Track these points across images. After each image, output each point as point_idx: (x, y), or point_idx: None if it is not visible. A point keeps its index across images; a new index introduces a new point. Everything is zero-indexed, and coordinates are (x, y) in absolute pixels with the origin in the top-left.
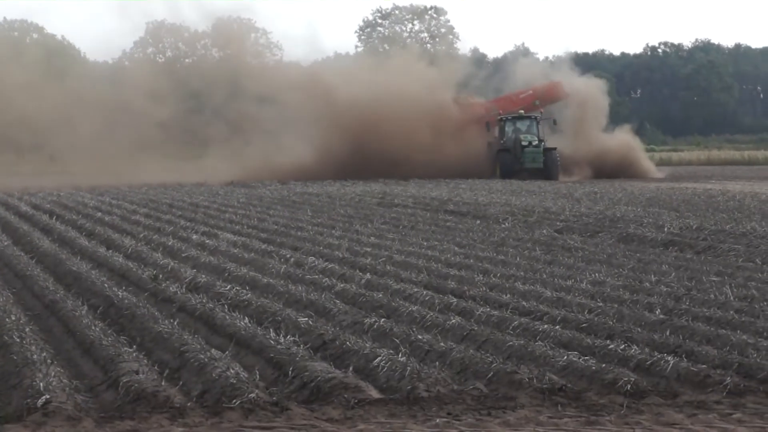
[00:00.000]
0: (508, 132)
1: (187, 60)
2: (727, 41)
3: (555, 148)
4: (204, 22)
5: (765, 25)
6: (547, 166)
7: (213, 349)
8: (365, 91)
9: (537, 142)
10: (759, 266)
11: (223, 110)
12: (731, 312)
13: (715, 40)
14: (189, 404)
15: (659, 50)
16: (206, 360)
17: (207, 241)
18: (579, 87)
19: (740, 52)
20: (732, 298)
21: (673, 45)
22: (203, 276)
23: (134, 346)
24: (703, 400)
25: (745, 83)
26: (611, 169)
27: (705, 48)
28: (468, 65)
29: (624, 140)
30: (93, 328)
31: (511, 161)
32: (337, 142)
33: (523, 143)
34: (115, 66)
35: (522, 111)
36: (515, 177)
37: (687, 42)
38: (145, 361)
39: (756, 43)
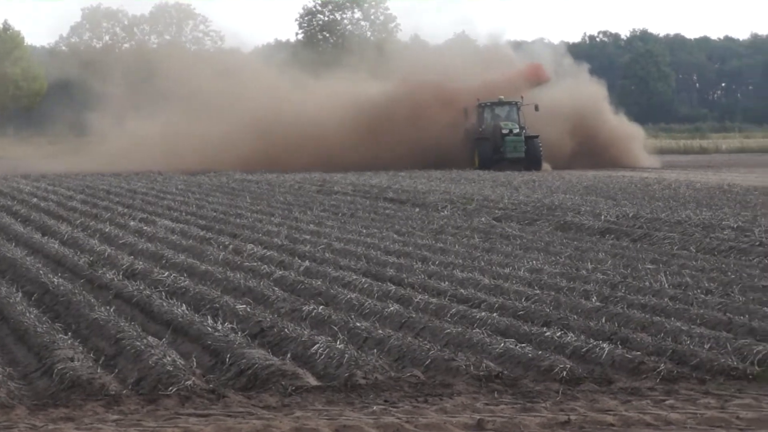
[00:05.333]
0: (486, 119)
1: (125, 45)
2: (664, 31)
3: (537, 136)
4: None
5: (700, 16)
6: (529, 156)
7: (150, 337)
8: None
9: (518, 129)
10: (693, 254)
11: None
12: (666, 299)
13: (652, 30)
14: (124, 392)
15: (597, 39)
16: (143, 347)
17: (145, 228)
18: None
19: (677, 41)
20: (666, 285)
21: (611, 34)
22: (140, 263)
23: (69, 334)
24: (637, 387)
25: (681, 72)
26: (603, 159)
27: (643, 37)
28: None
29: (621, 130)
30: (27, 315)
31: (491, 150)
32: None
33: (504, 131)
34: (52, 51)
35: (502, 96)
36: (495, 167)
37: (625, 31)
38: (81, 348)
39: (692, 33)
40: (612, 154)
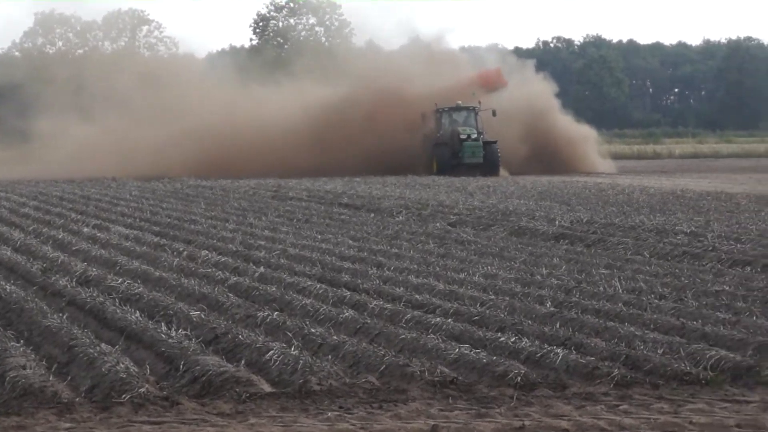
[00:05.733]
0: (444, 124)
1: (78, 51)
2: (618, 36)
3: (495, 142)
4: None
5: (653, 22)
6: (488, 161)
7: (103, 344)
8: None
9: (476, 134)
10: (647, 259)
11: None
12: (619, 304)
13: (605, 36)
14: (77, 399)
15: (551, 45)
16: (96, 354)
17: (98, 234)
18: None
19: (630, 47)
20: (620, 290)
21: (564, 40)
22: (94, 269)
23: (22, 341)
24: (591, 392)
25: (635, 78)
26: (558, 161)
27: (596, 43)
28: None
29: (573, 131)
30: None
31: (449, 155)
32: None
33: (462, 136)
34: (4, 56)
35: (460, 102)
36: (453, 172)
37: (578, 37)
38: (33, 355)
39: (645, 39)
40: (566, 155)
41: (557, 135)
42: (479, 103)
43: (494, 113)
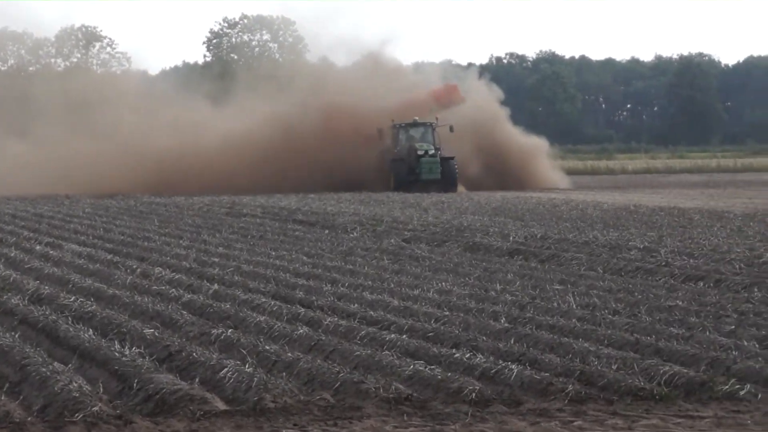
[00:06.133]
0: (401, 140)
1: (30, 68)
2: (570, 52)
3: (453, 157)
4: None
5: (605, 38)
6: (445, 177)
7: (56, 362)
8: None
9: (433, 150)
10: (600, 275)
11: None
12: (574, 320)
13: (558, 52)
14: (29, 419)
15: (504, 61)
16: (48, 373)
17: (51, 252)
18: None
19: (583, 63)
20: (574, 306)
21: (517, 56)
22: (47, 287)
23: None
24: (546, 408)
25: (587, 94)
26: (512, 176)
27: (549, 59)
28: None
29: (523, 142)
30: None
31: (406, 172)
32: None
33: (419, 152)
34: None
35: (417, 117)
36: (411, 189)
37: (531, 53)
38: None
39: (597, 55)
40: (519, 166)
41: (508, 146)
42: (436, 118)
43: (452, 129)
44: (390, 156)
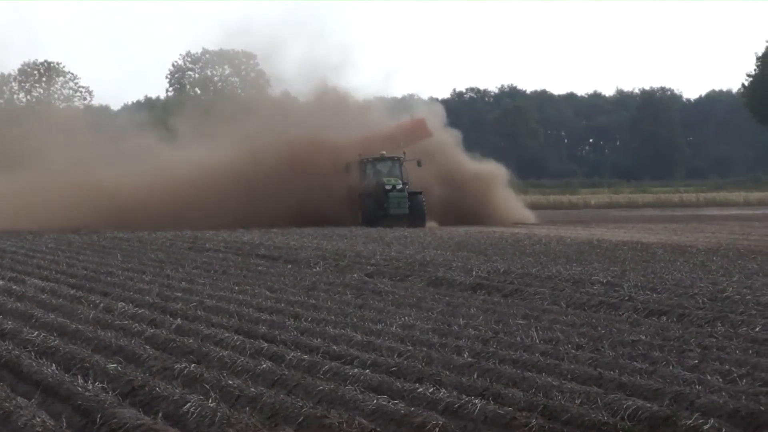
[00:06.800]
0: (369, 175)
1: None
2: (532, 87)
3: (421, 192)
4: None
5: (567, 72)
6: (413, 212)
7: (19, 397)
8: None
9: (401, 185)
10: (564, 309)
11: None
12: (537, 354)
13: (520, 86)
14: None
15: (466, 96)
16: (11, 408)
17: (14, 287)
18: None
19: (544, 97)
20: (538, 340)
21: (479, 90)
22: (9, 322)
23: None
24: None
25: (550, 128)
26: (473, 204)
27: (511, 93)
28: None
29: (477, 167)
30: None
31: (374, 207)
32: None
33: (387, 187)
34: None
35: (384, 152)
36: (379, 224)
37: (493, 87)
38: None
39: (558, 89)
40: (476, 193)
41: (461, 172)
42: (404, 153)
43: (419, 163)
44: (357, 191)
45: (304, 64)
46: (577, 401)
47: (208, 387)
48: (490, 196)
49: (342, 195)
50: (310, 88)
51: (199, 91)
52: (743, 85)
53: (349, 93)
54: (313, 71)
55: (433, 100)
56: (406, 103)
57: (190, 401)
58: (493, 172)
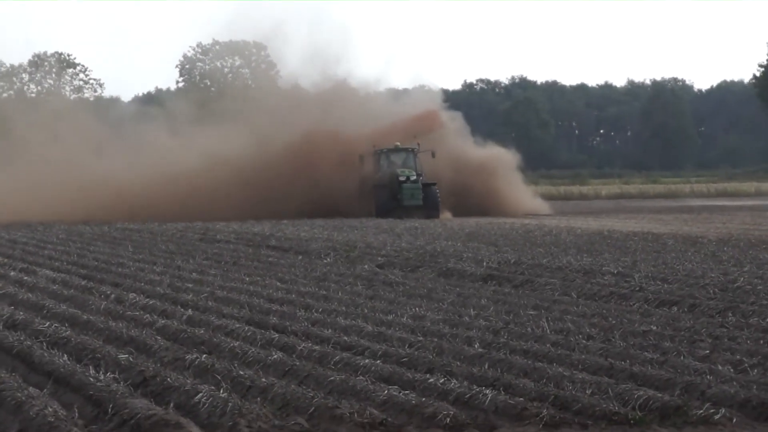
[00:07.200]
0: (383, 166)
1: (4, 95)
2: (542, 78)
3: (435, 183)
4: (21, 55)
5: (578, 63)
6: (427, 203)
7: (31, 387)
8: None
9: (415, 176)
10: (574, 300)
11: None
12: (548, 345)
13: (531, 77)
14: None
15: (477, 87)
16: (24, 398)
17: (25, 278)
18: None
19: (555, 88)
20: (548, 331)
21: (490, 82)
22: (21, 313)
23: None
24: None
25: (560, 120)
26: (480, 192)
27: (522, 84)
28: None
29: (481, 153)
30: None
31: (388, 198)
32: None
33: (401, 178)
34: None
35: (398, 143)
36: (392, 215)
37: (504, 79)
38: None
39: (569, 80)
40: (483, 180)
41: (467, 158)
42: (418, 144)
43: (434, 155)
44: (371, 182)
45: (312, 56)
46: (588, 391)
47: (219, 377)
48: (495, 185)
49: (354, 186)
50: (320, 79)
51: (209, 83)
52: (755, 75)
53: (358, 84)
54: (322, 63)
55: (429, 87)
56: (399, 94)
57: (201, 391)
58: (499, 158)
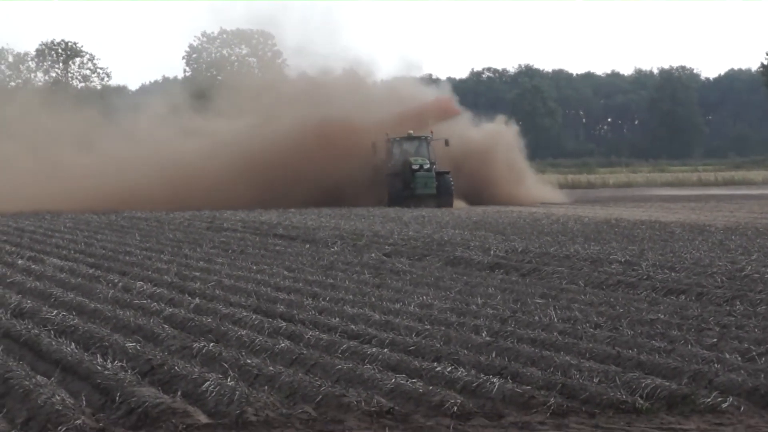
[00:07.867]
0: (396, 154)
1: (11, 84)
2: (550, 66)
3: (448, 172)
4: (29, 44)
5: (585, 51)
6: (441, 192)
7: (38, 376)
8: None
9: (428, 165)
10: (582, 288)
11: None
12: (555, 333)
13: (538, 66)
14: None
15: (484, 75)
16: (31, 387)
17: (33, 267)
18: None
19: (562, 77)
20: (556, 319)
21: (497, 70)
22: (29, 301)
23: None
24: (528, 421)
25: (568, 108)
26: (485, 177)
27: (529, 73)
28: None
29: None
30: None
31: (401, 186)
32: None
33: (414, 167)
34: None
35: (411, 131)
36: (405, 204)
37: (511, 67)
38: None
39: (576, 68)
40: (488, 164)
41: (468, 141)
42: (431, 132)
43: (447, 143)
44: (384, 170)
45: (319, 45)
46: (596, 380)
47: (226, 366)
48: (501, 174)
49: (363, 175)
50: (327, 67)
51: (215, 71)
52: (762, 64)
53: (368, 72)
54: (328, 51)
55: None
56: (392, 84)
57: (208, 380)
58: (501, 132)
